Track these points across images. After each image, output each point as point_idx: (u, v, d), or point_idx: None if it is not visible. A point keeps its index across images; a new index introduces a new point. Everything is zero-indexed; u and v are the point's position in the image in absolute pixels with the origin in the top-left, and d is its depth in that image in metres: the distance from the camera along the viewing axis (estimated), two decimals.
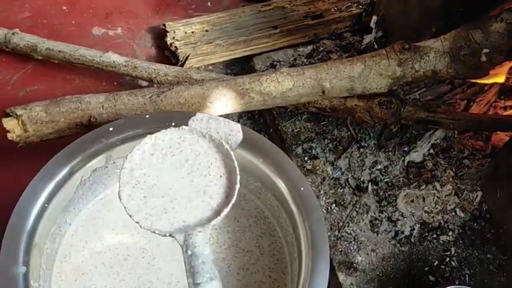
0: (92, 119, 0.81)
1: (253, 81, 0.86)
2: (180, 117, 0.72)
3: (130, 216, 0.56)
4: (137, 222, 0.55)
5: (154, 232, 0.55)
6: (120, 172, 0.58)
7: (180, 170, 0.59)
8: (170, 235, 0.54)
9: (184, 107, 0.84)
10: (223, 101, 0.85)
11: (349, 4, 1.17)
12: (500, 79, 0.89)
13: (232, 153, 0.61)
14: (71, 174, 0.70)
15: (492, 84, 0.96)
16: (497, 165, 0.85)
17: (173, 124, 0.67)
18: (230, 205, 0.56)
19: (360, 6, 1.16)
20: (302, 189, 0.71)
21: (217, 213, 0.56)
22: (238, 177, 0.59)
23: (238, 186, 0.58)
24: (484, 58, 0.83)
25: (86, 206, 0.77)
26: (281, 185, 0.73)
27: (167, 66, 0.98)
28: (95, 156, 0.72)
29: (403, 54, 0.84)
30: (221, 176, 0.59)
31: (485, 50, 0.82)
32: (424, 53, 0.84)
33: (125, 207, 0.56)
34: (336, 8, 1.16)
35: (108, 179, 0.77)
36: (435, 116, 0.90)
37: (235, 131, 0.72)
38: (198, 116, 0.72)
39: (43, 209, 0.67)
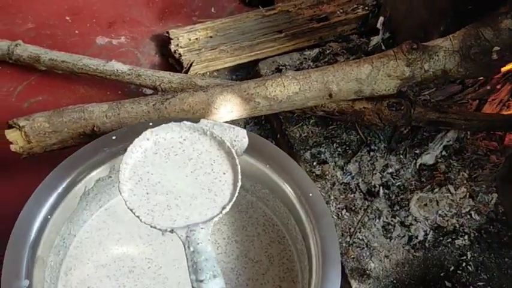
0: (95, 129, 0.80)
1: (259, 86, 0.84)
2: None
3: (131, 210, 0.56)
4: (138, 217, 0.55)
5: (155, 227, 0.55)
6: (121, 167, 0.58)
7: (184, 169, 0.59)
8: (171, 231, 0.54)
9: (189, 113, 0.83)
10: (229, 106, 0.83)
11: (355, 6, 1.15)
12: None
13: (233, 150, 0.61)
14: (73, 184, 0.68)
15: (504, 83, 0.94)
16: (511, 167, 0.83)
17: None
18: (232, 202, 0.57)
19: (366, 8, 1.14)
20: (311, 195, 0.69)
21: (222, 210, 0.57)
22: (240, 175, 0.59)
23: (240, 183, 0.58)
24: (495, 56, 0.81)
25: (90, 217, 0.76)
26: (289, 191, 0.71)
27: (171, 73, 0.97)
28: (98, 166, 0.70)
29: (412, 54, 0.82)
30: (224, 173, 0.60)
31: (496, 48, 0.80)
32: (433, 53, 0.82)
33: (126, 201, 0.56)
34: (341, 11, 1.14)
35: (113, 189, 0.75)
36: (447, 117, 0.88)
37: (241, 137, 0.70)
38: (202, 122, 0.70)
39: (46, 221, 0.66)
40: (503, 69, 0.83)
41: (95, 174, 0.71)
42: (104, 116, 0.81)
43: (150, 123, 0.72)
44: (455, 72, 0.84)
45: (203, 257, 0.52)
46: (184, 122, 0.63)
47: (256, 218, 0.79)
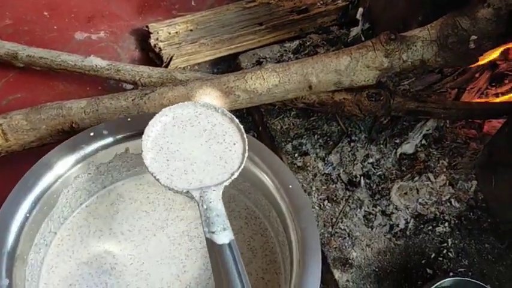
0: (74, 125, 0.80)
1: (238, 79, 0.84)
2: None
3: (153, 174, 0.62)
4: (158, 180, 0.62)
5: (172, 189, 0.61)
6: (143, 138, 0.65)
7: (199, 139, 0.66)
8: (187, 192, 0.61)
9: None
10: (208, 100, 0.83)
11: None
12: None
13: (241, 126, 0.67)
14: (52, 182, 0.68)
15: (483, 72, 0.95)
16: (491, 153, 0.84)
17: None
18: (240, 169, 0.63)
19: None
20: (290, 186, 0.70)
21: (231, 176, 0.63)
22: (247, 147, 0.66)
23: (247, 154, 0.65)
24: (472, 45, 0.81)
25: (71, 215, 0.75)
26: (269, 184, 0.72)
27: (151, 68, 0.96)
28: (76, 163, 0.70)
29: (390, 44, 0.82)
30: (235, 144, 0.66)
31: (474, 37, 0.81)
32: (411, 43, 0.83)
33: (148, 167, 0.62)
34: (321, 2, 1.14)
35: (92, 186, 0.75)
36: (426, 106, 0.88)
37: None
38: None
39: (25, 219, 0.65)
40: (481, 58, 0.84)
41: (73, 171, 0.70)
42: (82, 113, 0.80)
43: (128, 119, 0.73)
44: (433, 62, 0.84)
45: (214, 213, 0.59)
46: (199, 101, 0.72)
47: (239, 212, 0.79)
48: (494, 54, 0.87)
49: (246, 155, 0.65)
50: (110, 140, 0.72)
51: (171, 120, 0.67)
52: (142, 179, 0.80)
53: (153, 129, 0.66)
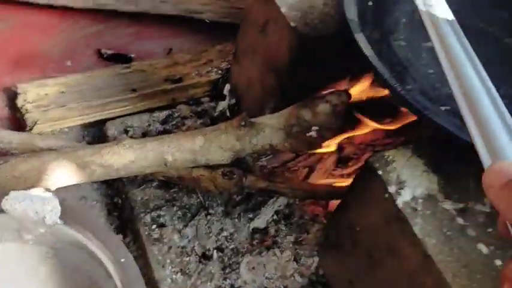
0: None
1: (94, 154, 0.86)
2: None
3: None
4: None
5: None
6: None
7: None
8: None
9: (21, 180, 0.82)
10: (63, 173, 0.84)
11: (210, 69, 1.21)
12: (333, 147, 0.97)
13: None
14: None
15: (330, 154, 1.03)
16: (327, 235, 0.91)
17: None
18: None
19: (219, 72, 1.20)
20: (123, 260, 0.73)
21: None
22: None
23: None
24: (314, 134, 0.89)
25: None
26: (103, 258, 0.74)
27: (11, 132, 0.96)
28: None
29: (241, 129, 0.88)
30: None
31: (315, 128, 0.89)
32: (260, 129, 0.89)
33: None
34: (196, 73, 1.20)
35: None
36: (275, 186, 0.95)
37: (52, 207, 0.72)
38: (11, 194, 0.71)
39: None
40: (324, 145, 0.92)
41: None
42: None
43: None
44: (282, 147, 0.91)
45: None
46: None
47: (82, 282, 0.79)
48: (336, 141, 0.96)
49: None
50: None
51: None
52: None
53: None
